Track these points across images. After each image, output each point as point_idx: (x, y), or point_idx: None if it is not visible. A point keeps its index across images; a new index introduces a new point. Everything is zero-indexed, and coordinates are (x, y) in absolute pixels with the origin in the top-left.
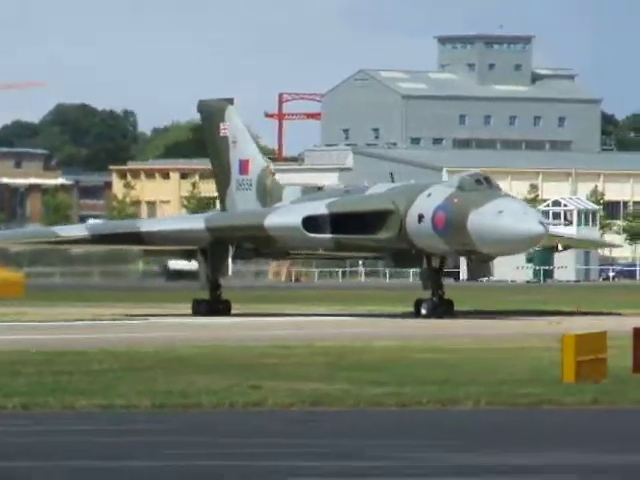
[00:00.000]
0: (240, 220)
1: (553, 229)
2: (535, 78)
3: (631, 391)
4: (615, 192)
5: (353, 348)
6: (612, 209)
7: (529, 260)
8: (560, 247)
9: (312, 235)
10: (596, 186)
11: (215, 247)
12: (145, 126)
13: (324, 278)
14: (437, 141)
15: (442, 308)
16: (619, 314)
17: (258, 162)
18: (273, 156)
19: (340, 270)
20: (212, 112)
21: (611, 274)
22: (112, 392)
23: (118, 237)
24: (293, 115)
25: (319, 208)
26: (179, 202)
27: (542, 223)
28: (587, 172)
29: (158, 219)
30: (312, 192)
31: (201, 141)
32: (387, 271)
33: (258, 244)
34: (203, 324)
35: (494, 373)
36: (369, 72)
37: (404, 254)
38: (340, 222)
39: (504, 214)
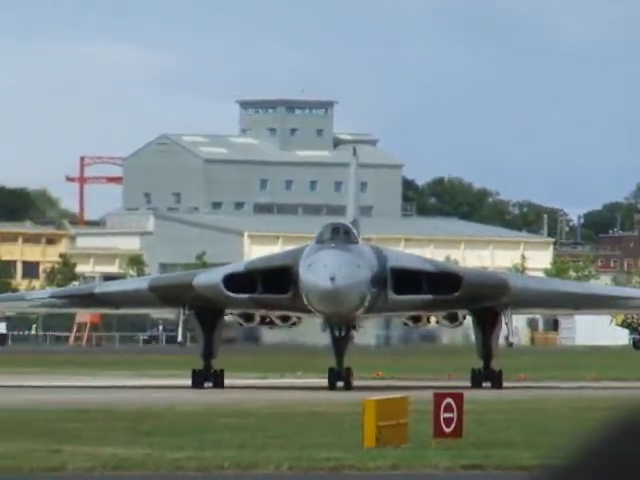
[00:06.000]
0: (174, 280)
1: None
2: (337, 143)
3: (431, 456)
4: None
5: (154, 412)
6: None
7: None
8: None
9: (231, 294)
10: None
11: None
12: None
13: (125, 343)
14: (238, 206)
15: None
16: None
17: (349, 215)
18: (74, 220)
19: (141, 335)
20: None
21: (413, 337)
22: None
23: (74, 298)
24: (94, 179)
25: (239, 266)
26: None
27: (333, 278)
28: (388, 237)
29: (114, 281)
30: None
31: (2, 204)
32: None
33: (197, 304)
34: None
35: (296, 437)
36: (170, 136)
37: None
38: (261, 280)
39: (310, 268)
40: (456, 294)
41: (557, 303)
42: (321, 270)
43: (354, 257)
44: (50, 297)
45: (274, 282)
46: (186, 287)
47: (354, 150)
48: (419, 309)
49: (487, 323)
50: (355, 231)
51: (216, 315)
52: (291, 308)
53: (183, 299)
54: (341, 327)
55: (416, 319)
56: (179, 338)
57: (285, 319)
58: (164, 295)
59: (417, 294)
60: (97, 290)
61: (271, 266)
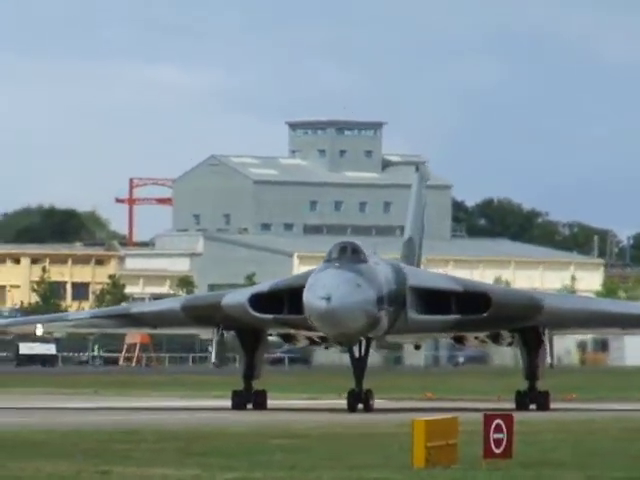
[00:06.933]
0: (204, 300)
1: None
2: (385, 164)
3: (481, 476)
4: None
5: (204, 433)
6: None
7: None
8: None
9: (256, 314)
10: (445, 272)
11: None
12: None
13: (174, 363)
14: (288, 227)
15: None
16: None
17: (406, 233)
18: (123, 241)
19: (190, 355)
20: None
21: (460, 360)
22: None
23: (113, 318)
24: (144, 200)
25: (264, 286)
26: (29, 287)
27: (328, 299)
28: (437, 258)
29: (149, 302)
30: None
31: (52, 226)
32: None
33: (228, 324)
34: (47, 409)
35: (345, 458)
36: (220, 157)
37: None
38: (286, 300)
39: (310, 288)
40: (485, 314)
41: (600, 323)
42: (319, 290)
43: (356, 276)
44: (90, 317)
45: (297, 302)
46: (215, 307)
47: (416, 167)
48: (447, 330)
49: (531, 343)
50: (365, 250)
51: (258, 336)
52: (311, 328)
53: (215, 319)
54: (360, 348)
55: (459, 339)
56: (212, 359)
57: (325, 339)
58: (195, 315)
59: (444, 314)
60: (133, 310)
61: (293, 286)
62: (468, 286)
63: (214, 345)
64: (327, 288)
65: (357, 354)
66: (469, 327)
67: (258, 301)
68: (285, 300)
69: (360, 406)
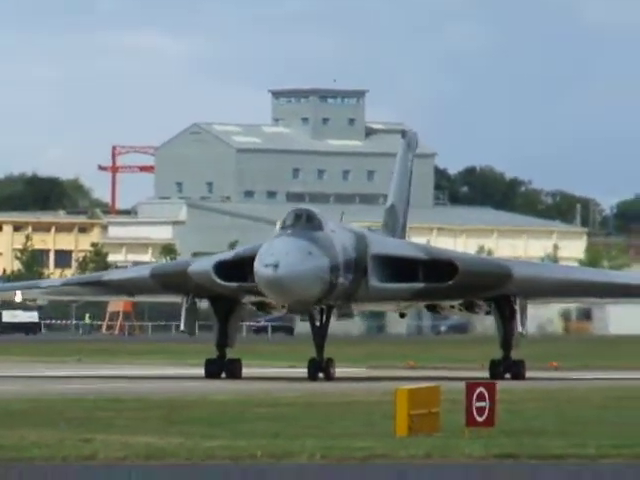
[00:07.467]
0: (172, 267)
1: None
2: (369, 133)
3: (464, 445)
4: (448, 246)
5: (188, 402)
6: None
7: None
8: None
9: (221, 282)
10: (428, 240)
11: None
12: None
13: (157, 331)
14: (271, 195)
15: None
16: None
17: (389, 200)
18: (106, 209)
19: (173, 324)
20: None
21: (443, 328)
22: None
23: (85, 286)
24: (126, 168)
25: (229, 254)
26: (12, 254)
27: (276, 266)
28: (420, 226)
29: (121, 269)
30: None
31: (35, 193)
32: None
33: (197, 292)
34: (30, 378)
35: (329, 426)
36: (203, 125)
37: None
38: (249, 268)
39: (260, 256)
40: (450, 282)
41: (574, 292)
42: (267, 258)
43: (308, 244)
44: (62, 285)
45: None
46: (183, 274)
47: (402, 134)
48: (412, 298)
49: (505, 313)
50: (321, 217)
51: (231, 304)
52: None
53: (184, 287)
54: (321, 316)
55: (432, 308)
56: (181, 327)
57: None
58: (164, 282)
59: (409, 282)
60: (104, 278)
61: (255, 254)
62: (434, 254)
63: (183, 313)
64: (275, 256)
65: (317, 322)
66: (435, 295)
67: (223, 268)
68: (247, 268)
69: (321, 375)
